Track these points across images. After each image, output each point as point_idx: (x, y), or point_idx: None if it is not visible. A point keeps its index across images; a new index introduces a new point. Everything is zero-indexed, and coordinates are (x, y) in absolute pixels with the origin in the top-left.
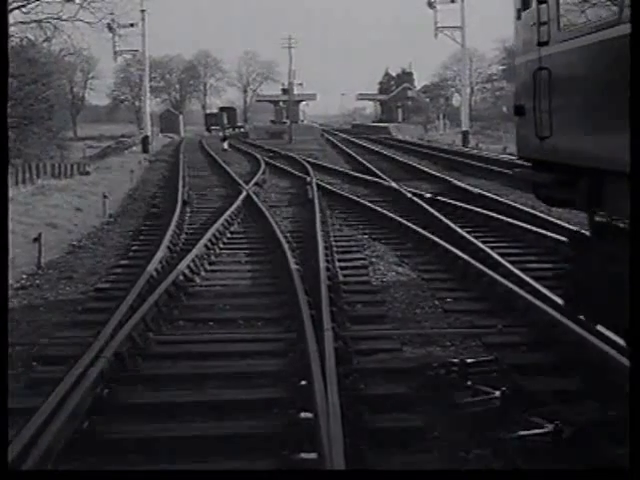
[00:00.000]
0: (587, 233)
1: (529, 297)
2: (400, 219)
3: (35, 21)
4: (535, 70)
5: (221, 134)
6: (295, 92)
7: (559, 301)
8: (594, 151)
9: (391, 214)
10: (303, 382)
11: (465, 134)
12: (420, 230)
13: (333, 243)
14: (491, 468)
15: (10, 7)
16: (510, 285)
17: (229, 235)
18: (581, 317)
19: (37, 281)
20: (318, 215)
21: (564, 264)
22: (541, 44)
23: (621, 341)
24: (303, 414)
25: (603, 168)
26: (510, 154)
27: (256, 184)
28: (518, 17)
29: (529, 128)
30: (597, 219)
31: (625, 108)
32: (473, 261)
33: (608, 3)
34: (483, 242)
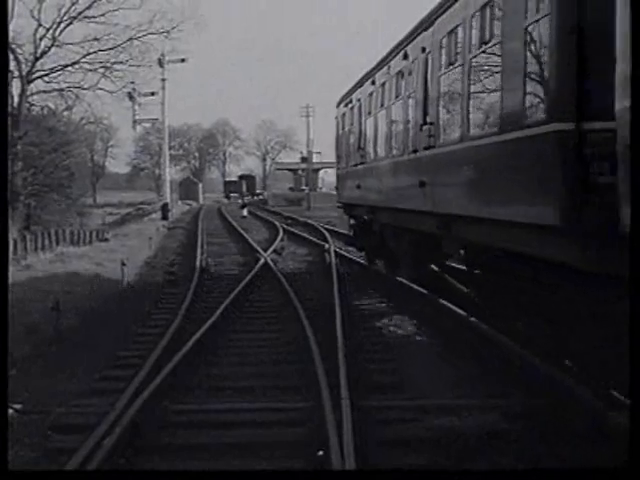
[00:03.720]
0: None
1: None
2: (418, 288)
3: (57, 90)
4: (338, 174)
5: (240, 201)
6: (314, 160)
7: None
8: (347, 196)
9: (409, 283)
10: (320, 452)
11: None
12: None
13: (351, 312)
14: (491, 468)
15: (33, 76)
16: None
17: (247, 304)
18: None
19: (54, 348)
20: (336, 285)
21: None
22: (339, 169)
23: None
24: None
25: (351, 203)
26: None
27: (274, 251)
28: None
29: (339, 193)
30: (351, 221)
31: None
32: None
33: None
34: None
